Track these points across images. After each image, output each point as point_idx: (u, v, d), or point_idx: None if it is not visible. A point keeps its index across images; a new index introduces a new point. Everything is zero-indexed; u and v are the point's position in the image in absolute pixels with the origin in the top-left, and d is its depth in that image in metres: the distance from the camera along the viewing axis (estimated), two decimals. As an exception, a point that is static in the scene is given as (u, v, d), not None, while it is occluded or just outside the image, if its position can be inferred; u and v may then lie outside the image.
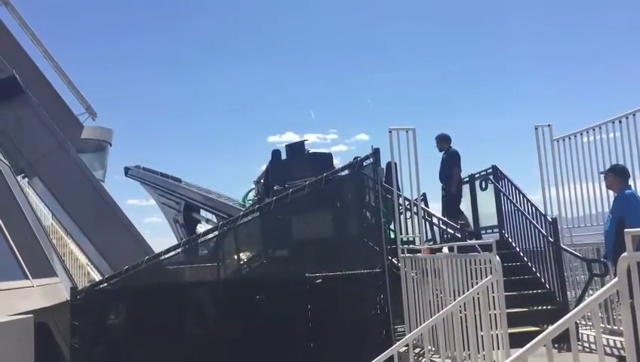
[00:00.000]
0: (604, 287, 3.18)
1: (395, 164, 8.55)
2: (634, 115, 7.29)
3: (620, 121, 7.58)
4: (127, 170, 22.33)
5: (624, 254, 3.03)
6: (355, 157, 8.72)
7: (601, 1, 51.06)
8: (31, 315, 4.74)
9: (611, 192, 7.30)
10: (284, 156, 13.58)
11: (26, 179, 14.65)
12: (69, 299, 7.70)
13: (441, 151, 10.33)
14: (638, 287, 3.01)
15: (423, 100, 63.58)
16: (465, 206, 10.48)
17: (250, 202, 15.43)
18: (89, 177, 15.58)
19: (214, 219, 19.17)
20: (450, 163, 10.18)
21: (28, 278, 7.19)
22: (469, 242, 7.62)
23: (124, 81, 59.61)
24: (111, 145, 25.68)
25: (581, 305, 3.58)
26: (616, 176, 6.43)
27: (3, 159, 9.58)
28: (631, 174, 7.12)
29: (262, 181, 14.23)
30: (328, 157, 13.37)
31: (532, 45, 50.16)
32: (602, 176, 6.89)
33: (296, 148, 13.69)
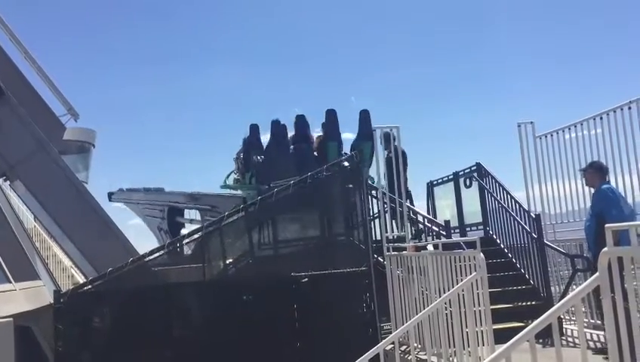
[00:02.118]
0: (586, 282, 3.21)
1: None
2: (614, 111, 7.37)
3: (601, 118, 7.66)
4: (110, 196, 22.26)
5: (605, 249, 3.06)
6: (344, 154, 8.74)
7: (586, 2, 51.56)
8: (10, 319, 4.68)
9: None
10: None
11: (8, 182, 14.45)
12: (52, 302, 7.61)
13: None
14: (618, 282, 3.04)
15: (409, 99, 63.80)
16: (450, 203, 10.53)
17: (231, 182, 15.24)
18: (72, 179, 15.39)
19: (198, 217, 19.10)
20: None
21: (10, 282, 7.11)
22: (454, 239, 7.66)
23: (108, 81, 59.06)
24: (94, 146, 25.44)
25: (563, 301, 3.61)
26: (596, 171, 6.53)
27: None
28: (612, 170, 7.24)
29: (241, 156, 14.21)
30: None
31: (519, 43, 50.49)
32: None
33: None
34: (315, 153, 11.56)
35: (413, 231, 8.88)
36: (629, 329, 3.03)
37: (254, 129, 13.57)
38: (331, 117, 11.34)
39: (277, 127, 12.54)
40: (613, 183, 7.05)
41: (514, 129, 9.18)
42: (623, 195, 6.75)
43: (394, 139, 8.38)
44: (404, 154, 9.20)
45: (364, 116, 11.46)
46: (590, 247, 6.46)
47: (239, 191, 15.22)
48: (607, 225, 3.16)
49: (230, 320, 7.84)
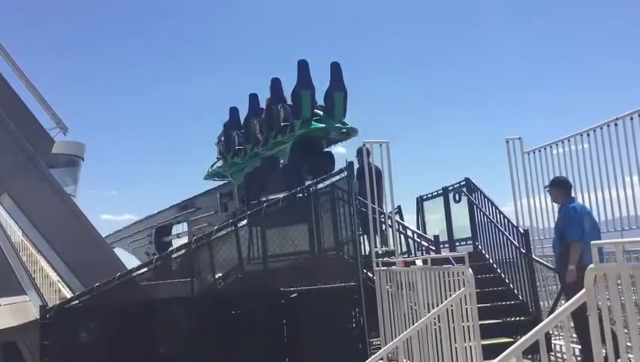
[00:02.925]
0: (573, 299, 3.21)
1: (378, 170, 8.64)
2: (601, 128, 7.44)
3: (589, 134, 7.73)
4: None
5: (591, 266, 3.08)
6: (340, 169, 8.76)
7: (581, 11, 52.29)
8: (-4, 336, 4.61)
9: (586, 203, 7.49)
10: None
11: (-5, 195, 14.33)
12: (38, 317, 7.52)
13: None
14: (604, 299, 3.05)
15: (398, 111, 64.17)
16: (439, 218, 10.56)
17: (214, 170, 15.25)
18: (60, 192, 15.32)
19: (185, 227, 19.05)
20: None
21: (-5, 297, 7.03)
22: (443, 255, 7.66)
23: (96, 94, 58.98)
24: (83, 159, 25.33)
25: (550, 317, 3.62)
26: (558, 188, 6.69)
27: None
28: (599, 185, 7.33)
29: (222, 139, 14.26)
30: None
31: (508, 55, 51.10)
32: (580, 188, 7.14)
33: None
34: (290, 103, 11.71)
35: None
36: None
37: (234, 111, 13.90)
38: (303, 67, 11.44)
39: (253, 100, 13.27)
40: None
41: (503, 142, 9.24)
42: (589, 210, 6.87)
43: (368, 155, 8.43)
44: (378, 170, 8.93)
45: (335, 68, 11.54)
46: (556, 264, 6.68)
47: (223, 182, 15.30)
48: (592, 242, 3.18)
49: (219, 335, 7.78)
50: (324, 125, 11.12)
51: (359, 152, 9.15)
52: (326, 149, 11.94)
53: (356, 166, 8.99)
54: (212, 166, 15.33)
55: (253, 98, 13.34)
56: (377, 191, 8.39)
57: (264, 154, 12.44)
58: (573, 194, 6.91)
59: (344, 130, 11.37)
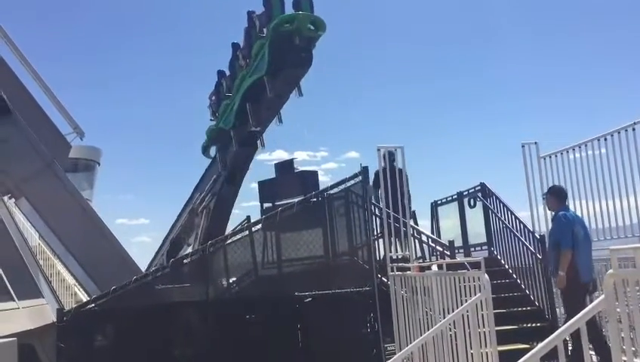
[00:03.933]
0: (591, 304, 3.19)
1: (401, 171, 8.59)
2: (619, 132, 7.36)
3: (606, 139, 7.64)
4: None
5: (610, 271, 3.05)
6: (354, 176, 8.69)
7: (588, 18, 51.94)
8: (14, 339, 4.67)
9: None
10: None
11: (13, 200, 14.51)
12: (55, 320, 7.59)
13: None
14: (623, 304, 3.02)
15: (413, 117, 64.09)
16: (454, 223, 10.51)
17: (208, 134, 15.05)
18: (76, 197, 15.49)
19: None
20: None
21: (13, 300, 7.11)
22: (458, 260, 7.62)
23: (114, 100, 59.59)
24: (99, 164, 25.58)
25: (569, 323, 3.58)
26: (552, 196, 6.92)
27: (-11, 179, 9.50)
28: (616, 191, 7.26)
29: (213, 98, 14.26)
30: (314, 175, 13.39)
31: (523, 62, 50.86)
32: (597, 193, 7.20)
33: (286, 167, 13.67)
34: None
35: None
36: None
37: (221, 74, 13.90)
38: None
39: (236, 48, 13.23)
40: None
41: (519, 149, 9.18)
42: (581, 219, 7.01)
43: (393, 160, 8.33)
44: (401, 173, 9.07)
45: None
46: (552, 270, 6.78)
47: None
48: (611, 248, 3.15)
49: (233, 339, 7.79)
50: (293, 13, 11.01)
51: (389, 156, 8.93)
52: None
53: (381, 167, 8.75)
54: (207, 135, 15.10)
55: (236, 46, 13.28)
56: (402, 194, 8.30)
57: (249, 78, 12.22)
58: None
59: (312, 21, 11.10)
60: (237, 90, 12.85)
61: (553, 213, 6.95)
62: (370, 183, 8.81)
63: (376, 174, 8.75)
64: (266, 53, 11.24)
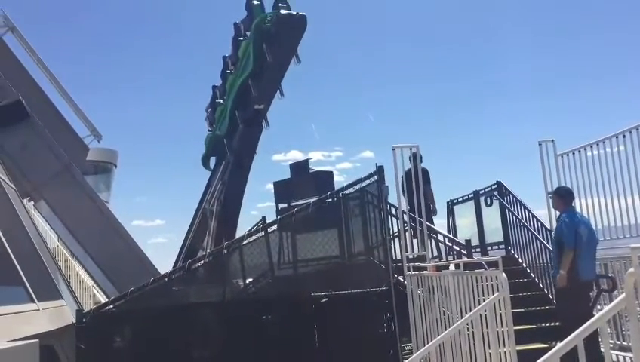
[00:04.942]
0: (612, 304, 3.15)
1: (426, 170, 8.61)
2: (637, 129, 7.26)
3: (624, 136, 7.55)
4: None
5: (631, 270, 3.01)
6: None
7: (601, 18, 51.35)
8: (36, 340, 4.71)
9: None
10: None
11: (32, 202, 14.70)
12: (74, 321, 7.67)
13: None
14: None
15: (428, 116, 63.83)
16: (470, 222, 10.45)
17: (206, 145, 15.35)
18: (94, 199, 15.65)
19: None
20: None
21: (34, 301, 7.18)
22: (475, 259, 7.58)
23: (130, 102, 60.08)
24: (116, 166, 25.81)
25: (589, 322, 3.54)
26: (558, 197, 6.97)
27: (9, 182, 9.62)
28: (635, 189, 7.18)
29: (209, 110, 14.64)
30: (329, 175, 13.42)
31: (536, 60, 50.40)
32: (615, 190, 7.32)
33: (301, 167, 13.71)
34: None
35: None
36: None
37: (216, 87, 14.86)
38: None
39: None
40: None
41: (535, 146, 9.09)
42: (587, 220, 7.04)
43: (415, 158, 8.27)
44: (425, 171, 9.16)
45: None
46: (553, 270, 6.79)
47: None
48: (632, 246, 3.12)
49: (250, 340, 7.82)
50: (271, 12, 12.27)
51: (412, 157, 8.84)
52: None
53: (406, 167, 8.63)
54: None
55: (226, 59, 14.22)
56: (426, 192, 8.34)
57: (239, 79, 12.93)
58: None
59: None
60: (229, 94, 13.28)
61: (559, 213, 6.99)
62: (400, 185, 8.54)
63: (407, 174, 8.45)
64: (251, 51, 12.18)
